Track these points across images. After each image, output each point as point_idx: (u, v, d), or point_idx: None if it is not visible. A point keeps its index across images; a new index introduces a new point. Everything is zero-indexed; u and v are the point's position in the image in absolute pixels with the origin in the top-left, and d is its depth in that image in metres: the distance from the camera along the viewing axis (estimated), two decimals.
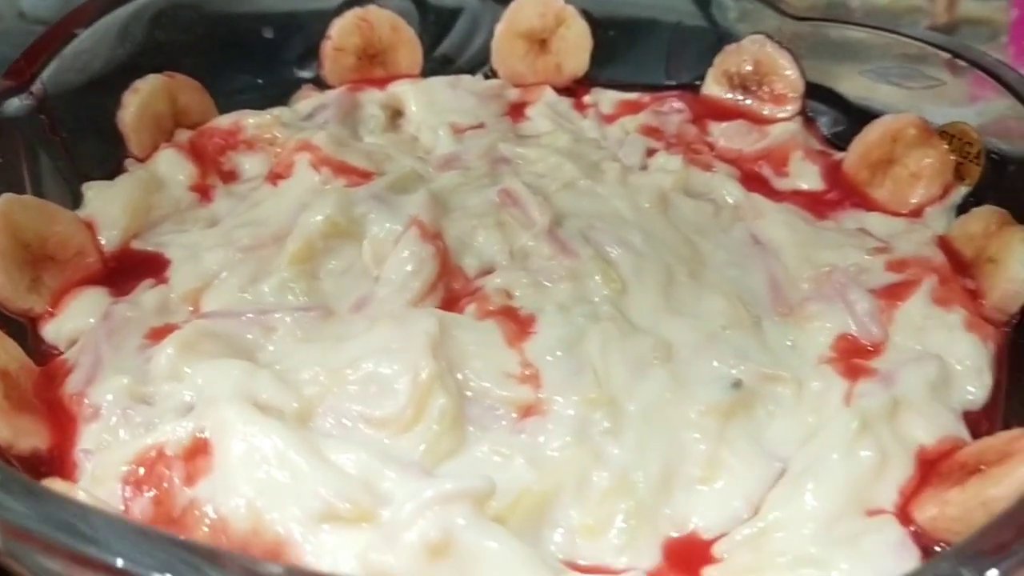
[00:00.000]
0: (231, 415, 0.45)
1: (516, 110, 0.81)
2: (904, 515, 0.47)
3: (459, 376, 0.51)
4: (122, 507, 0.43)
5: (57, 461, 0.48)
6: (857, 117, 0.76)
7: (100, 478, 0.45)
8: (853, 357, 0.56)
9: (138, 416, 0.49)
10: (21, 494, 0.35)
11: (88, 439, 0.48)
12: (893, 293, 0.59)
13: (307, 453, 0.44)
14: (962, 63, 0.68)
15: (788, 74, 0.78)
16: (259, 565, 0.33)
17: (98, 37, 0.69)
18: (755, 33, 0.80)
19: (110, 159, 0.68)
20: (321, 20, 0.80)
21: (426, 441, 0.48)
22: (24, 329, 0.56)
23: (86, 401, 0.50)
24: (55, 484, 0.43)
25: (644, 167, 0.73)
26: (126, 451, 0.45)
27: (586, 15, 0.82)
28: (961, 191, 0.68)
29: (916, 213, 0.68)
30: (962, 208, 0.68)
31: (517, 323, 0.55)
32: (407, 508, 0.40)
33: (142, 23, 0.72)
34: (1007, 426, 0.54)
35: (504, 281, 0.58)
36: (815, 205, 0.70)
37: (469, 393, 0.51)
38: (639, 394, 0.51)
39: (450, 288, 0.59)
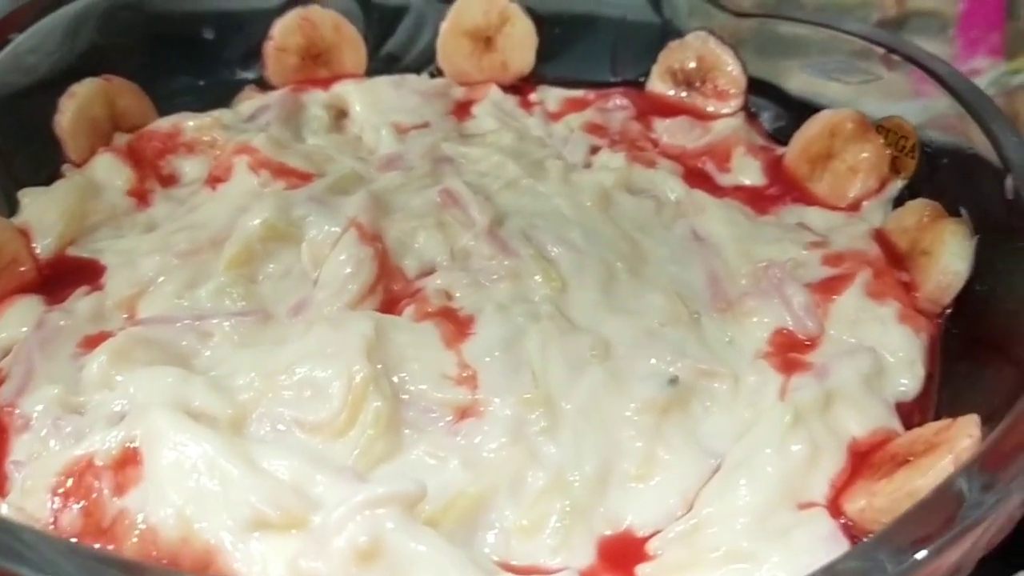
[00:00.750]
0: (162, 423, 0.45)
1: (462, 109, 0.81)
2: (835, 507, 0.48)
3: (395, 379, 0.51)
4: (51, 519, 0.43)
5: None
6: (799, 112, 0.77)
7: (30, 490, 0.44)
8: (789, 351, 0.57)
9: (68, 426, 0.48)
10: None
11: (19, 450, 0.48)
12: (828, 287, 0.60)
13: (238, 460, 0.43)
14: (897, 58, 0.69)
15: (730, 70, 0.79)
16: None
17: (34, 41, 0.68)
18: (699, 29, 0.81)
19: (47, 165, 0.68)
20: (263, 20, 0.79)
21: (360, 445, 0.48)
22: None
23: (17, 412, 0.49)
24: None
25: (588, 165, 0.73)
26: (55, 462, 0.45)
27: (531, 12, 0.82)
28: (897, 184, 0.69)
29: (854, 207, 0.69)
30: (899, 201, 0.69)
31: (456, 324, 0.55)
32: (337, 513, 0.40)
33: (80, 26, 0.71)
34: (938, 416, 0.55)
35: (444, 282, 0.58)
36: (756, 200, 0.71)
37: (405, 396, 0.51)
38: (576, 393, 0.52)
39: (390, 290, 0.59)
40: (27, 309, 0.56)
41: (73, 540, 0.42)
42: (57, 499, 0.43)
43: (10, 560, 0.34)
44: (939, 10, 1.10)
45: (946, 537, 0.38)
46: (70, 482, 0.44)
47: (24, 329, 0.55)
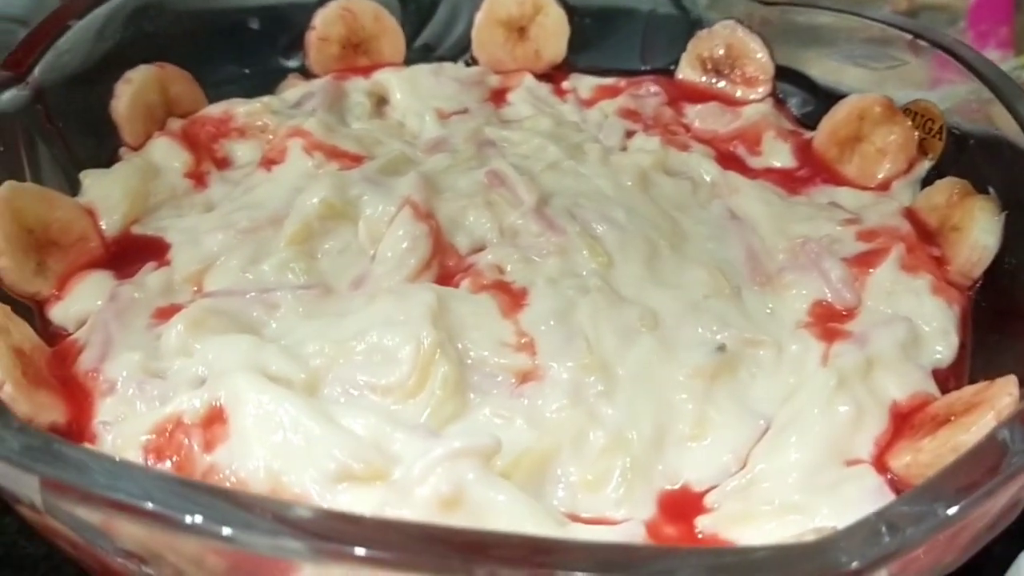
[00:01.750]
0: (243, 384, 0.47)
1: (498, 96, 0.84)
2: (880, 464, 0.50)
3: (459, 346, 0.53)
4: None
5: (76, 434, 0.49)
6: (825, 98, 0.79)
7: (121, 447, 0.47)
8: (828, 321, 0.59)
9: (154, 389, 0.51)
10: (55, 451, 0.37)
11: (106, 412, 0.50)
12: (864, 261, 0.62)
13: (319, 417, 0.46)
14: (923, 43, 0.72)
15: (759, 57, 0.82)
16: (289, 508, 0.35)
17: (90, 28, 0.70)
18: (727, 19, 0.83)
19: (104, 148, 0.70)
20: (305, 11, 0.81)
21: (430, 406, 0.50)
22: (31, 312, 0.58)
23: (101, 376, 0.52)
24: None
25: (624, 148, 0.76)
26: (145, 421, 0.47)
27: (562, 3, 0.85)
28: (925, 165, 0.72)
29: (883, 187, 0.72)
30: (926, 181, 0.71)
31: (510, 296, 0.58)
32: (418, 466, 0.43)
33: (132, 15, 0.73)
34: (972, 382, 0.57)
35: (496, 257, 0.61)
36: (788, 181, 0.73)
37: (469, 361, 0.53)
38: (629, 359, 0.54)
39: (444, 265, 0.61)
40: (99, 283, 0.59)
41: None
42: (151, 456, 0.46)
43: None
44: (949, 4, 1.12)
45: (993, 483, 0.41)
46: (162, 440, 0.46)
47: (98, 302, 0.57)
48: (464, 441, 0.43)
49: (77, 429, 0.50)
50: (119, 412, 0.50)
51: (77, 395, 0.51)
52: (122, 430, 0.48)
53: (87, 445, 0.47)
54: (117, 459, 0.36)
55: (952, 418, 0.50)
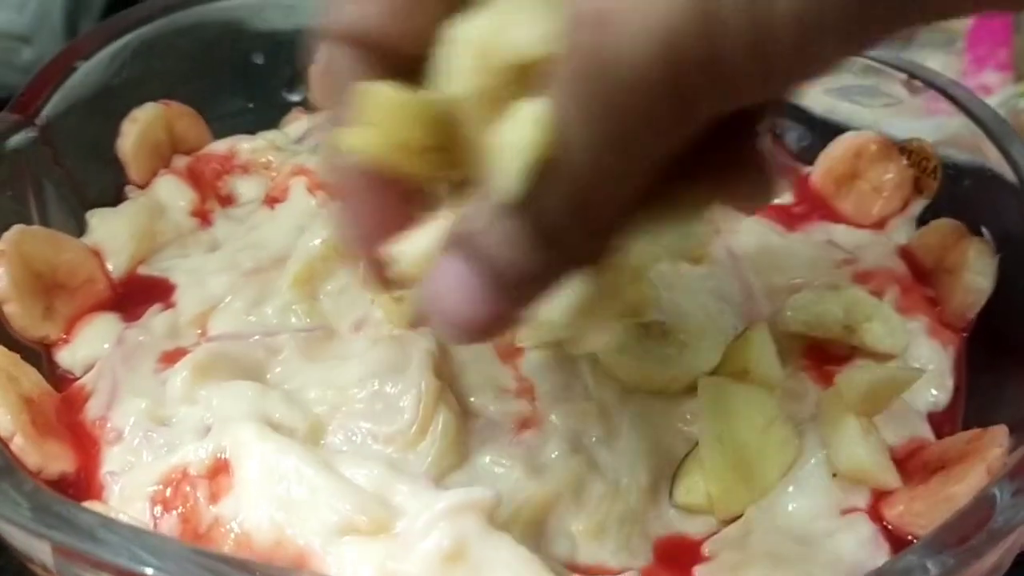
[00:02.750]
0: (247, 435, 0.48)
1: None
2: (875, 512, 0.51)
3: (459, 392, 0.54)
4: (152, 525, 0.46)
5: (84, 484, 0.50)
6: (822, 133, 0.80)
7: (129, 498, 0.48)
8: (825, 364, 0.60)
9: (160, 438, 0.51)
10: (67, 516, 0.38)
11: (112, 461, 0.51)
12: None
13: (321, 468, 0.47)
14: (918, 83, 0.73)
15: None
16: (287, 574, 0.36)
17: (96, 67, 0.71)
18: None
19: (110, 186, 0.71)
20: (309, 45, 0.82)
21: (432, 455, 0.51)
22: (39, 356, 0.59)
23: (108, 424, 0.53)
24: (95, 507, 0.46)
25: None
26: (152, 472, 0.48)
27: None
28: (920, 204, 0.72)
29: (879, 224, 0.72)
30: (922, 219, 0.72)
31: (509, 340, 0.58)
32: (421, 519, 0.44)
33: (139, 53, 0.74)
34: (966, 426, 0.58)
35: None
36: (785, 218, 0.74)
37: (469, 408, 0.54)
38: (628, 405, 0.55)
39: None
40: (106, 326, 0.60)
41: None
42: (158, 507, 0.47)
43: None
44: (946, 25, 1.13)
45: (982, 539, 0.42)
46: (168, 491, 0.47)
47: (105, 345, 0.58)
48: (466, 496, 0.44)
49: (86, 478, 0.51)
50: (126, 461, 0.51)
51: (85, 443, 0.52)
52: (129, 480, 0.49)
53: (95, 503, 0.48)
54: (129, 523, 0.37)
55: (945, 466, 0.50)
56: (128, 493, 0.48)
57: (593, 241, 0.32)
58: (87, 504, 0.46)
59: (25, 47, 1.05)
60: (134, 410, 0.52)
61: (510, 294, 0.32)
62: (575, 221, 0.31)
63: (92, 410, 0.54)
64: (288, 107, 0.83)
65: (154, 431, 0.52)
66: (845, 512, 0.51)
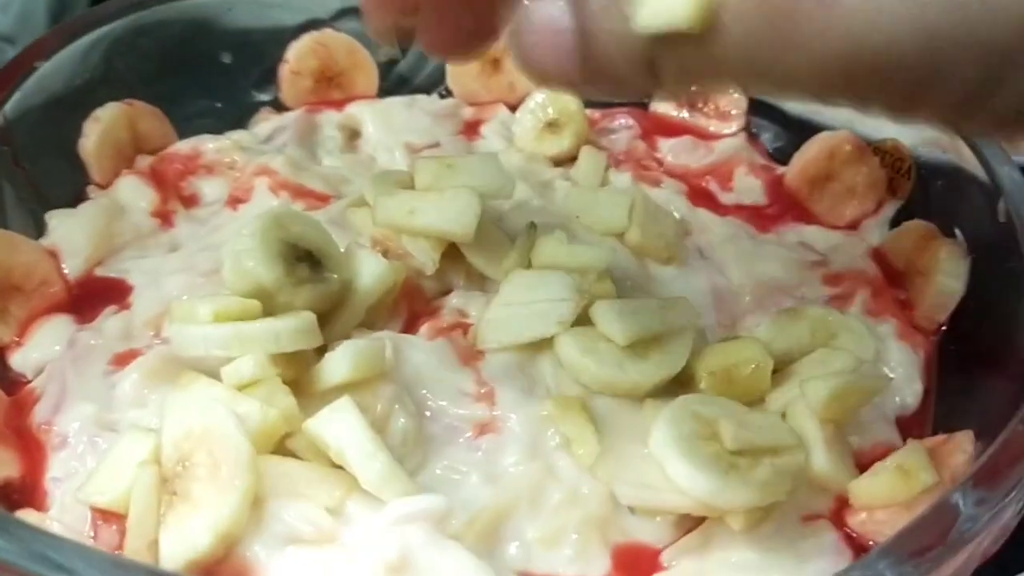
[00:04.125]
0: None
1: (471, 128, 0.83)
2: (838, 519, 0.50)
3: (417, 396, 0.53)
4: (91, 534, 0.45)
5: (28, 490, 0.49)
6: (798, 132, 0.79)
7: (69, 506, 0.46)
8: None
9: (104, 443, 0.50)
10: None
11: (57, 467, 0.50)
12: (830, 306, 0.62)
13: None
14: None
15: (732, 92, 0.81)
16: None
17: (59, 67, 0.70)
18: None
19: (72, 186, 0.70)
20: (278, 44, 0.81)
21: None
22: None
23: (54, 429, 0.51)
24: (29, 516, 0.45)
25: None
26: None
27: None
28: (894, 205, 0.71)
29: (852, 226, 0.72)
30: (895, 220, 0.71)
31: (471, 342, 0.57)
32: (367, 529, 0.43)
33: (101, 51, 0.73)
34: (935, 430, 0.57)
35: (460, 302, 0.61)
36: (758, 219, 0.73)
37: (428, 413, 0.53)
38: (590, 410, 0.54)
39: (411, 308, 0.61)
40: (59, 328, 0.59)
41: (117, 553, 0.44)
42: (98, 517, 0.46)
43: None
44: None
45: (942, 549, 0.41)
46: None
47: (57, 348, 0.57)
48: (414, 505, 0.43)
49: (30, 484, 0.50)
50: (70, 467, 0.50)
51: (31, 448, 0.51)
52: (71, 487, 0.48)
53: (28, 511, 0.46)
54: (62, 537, 0.36)
55: (909, 473, 0.49)
56: (69, 501, 0.47)
57: None
58: (21, 513, 0.45)
59: (9, 47, 1.03)
60: (80, 415, 0.51)
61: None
62: None
63: (39, 414, 0.52)
64: (257, 106, 0.82)
65: (100, 436, 0.50)
66: (807, 519, 0.50)
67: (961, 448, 0.48)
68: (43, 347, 0.58)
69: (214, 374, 0.54)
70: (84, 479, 0.47)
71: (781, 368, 0.56)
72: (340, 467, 0.47)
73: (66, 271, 0.62)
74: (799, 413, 0.51)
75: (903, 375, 0.59)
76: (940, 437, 0.52)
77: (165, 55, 0.78)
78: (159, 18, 0.77)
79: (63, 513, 0.46)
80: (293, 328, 0.49)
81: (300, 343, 0.50)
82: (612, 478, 0.48)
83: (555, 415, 0.52)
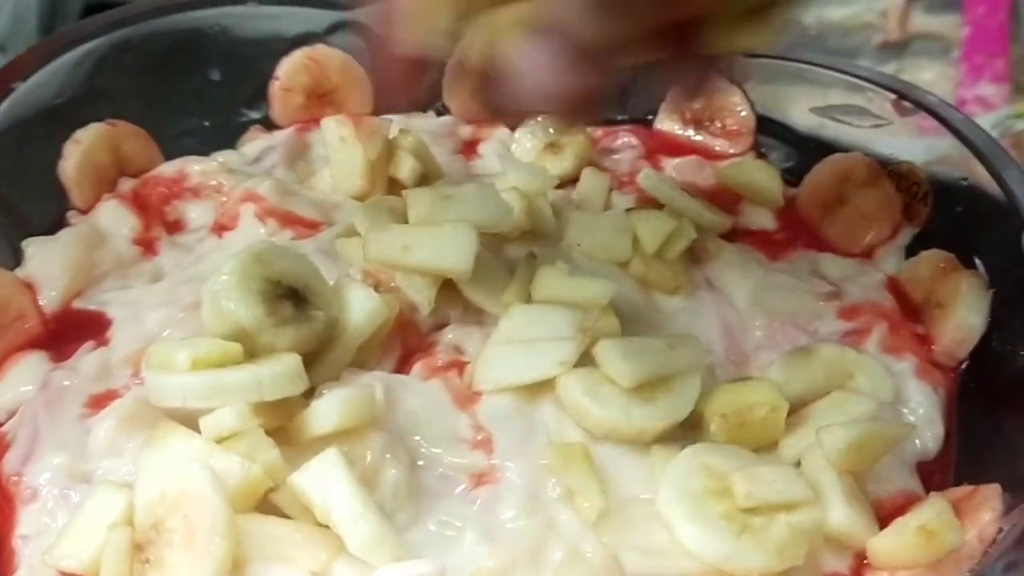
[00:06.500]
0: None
1: (469, 148, 0.80)
2: None
3: (409, 444, 0.50)
4: None
5: None
6: (808, 152, 0.76)
7: (38, 568, 0.43)
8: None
9: (77, 496, 0.47)
10: None
11: (26, 524, 0.47)
12: (845, 342, 0.59)
13: None
14: (908, 104, 0.69)
15: (739, 110, 0.78)
16: None
17: (38, 87, 0.67)
18: None
19: (51, 213, 0.67)
20: (269, 60, 0.78)
21: None
22: None
23: (24, 480, 0.48)
24: None
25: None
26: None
27: None
28: (910, 232, 0.68)
29: (867, 253, 0.68)
30: (911, 247, 0.68)
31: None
32: None
33: (84, 69, 0.70)
34: (958, 476, 0.54)
35: (456, 336, 0.58)
36: (767, 245, 0.70)
37: (421, 462, 0.50)
38: (593, 456, 0.51)
39: (405, 344, 0.58)
40: (33, 367, 0.56)
41: None
42: None
43: None
44: (942, 33, 1.09)
45: None
46: None
47: (30, 388, 0.54)
48: (404, 572, 0.40)
49: None
50: (40, 524, 0.47)
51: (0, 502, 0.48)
52: (40, 547, 0.45)
53: None
54: None
55: (934, 531, 0.46)
56: (36, 562, 0.44)
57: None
58: None
59: (0, 55, 1.01)
60: (51, 465, 0.48)
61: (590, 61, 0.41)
62: None
63: (9, 464, 0.49)
64: (246, 125, 0.79)
65: (72, 488, 0.47)
66: None
67: (989, 504, 0.45)
68: (15, 387, 0.55)
69: (193, 421, 0.51)
70: (54, 538, 0.44)
71: (794, 410, 0.53)
72: (327, 526, 0.44)
73: (42, 304, 0.59)
74: (815, 463, 0.48)
75: (923, 417, 0.56)
76: (965, 489, 0.49)
77: (151, 72, 0.74)
78: (145, 33, 0.74)
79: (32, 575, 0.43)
80: (276, 375, 0.46)
81: (284, 390, 0.47)
82: (617, 543, 0.45)
83: (556, 464, 0.49)
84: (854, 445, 0.47)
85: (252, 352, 0.48)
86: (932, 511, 0.46)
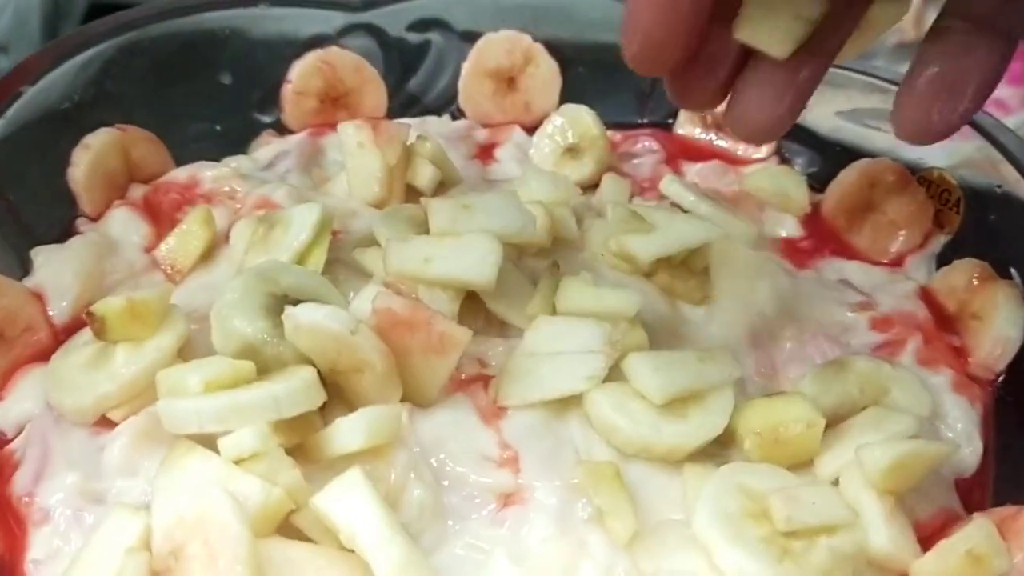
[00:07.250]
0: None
1: (485, 152, 0.79)
2: None
3: (434, 461, 0.48)
4: None
5: (7, 573, 0.44)
6: (833, 158, 0.75)
7: None
8: (839, 424, 0.54)
9: (91, 517, 0.45)
10: None
11: (38, 547, 0.45)
12: (878, 354, 0.57)
13: None
14: None
15: None
16: None
17: (45, 89, 0.65)
18: None
19: (60, 221, 0.65)
20: (281, 64, 0.76)
21: None
22: None
23: (36, 501, 0.47)
24: None
25: None
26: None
27: (555, 53, 0.80)
28: (941, 240, 0.67)
29: (897, 262, 0.67)
30: (942, 256, 0.67)
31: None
32: None
33: (92, 72, 0.69)
34: (997, 493, 0.53)
35: (478, 348, 0.56)
36: (794, 253, 0.68)
37: (446, 482, 0.48)
38: (623, 475, 0.49)
39: None
40: (42, 380, 0.54)
41: None
42: None
43: None
44: None
45: None
46: None
47: (39, 403, 0.52)
48: None
49: (9, 566, 0.45)
50: (52, 547, 0.45)
51: (11, 523, 0.46)
52: (53, 571, 0.43)
53: None
54: None
55: (979, 554, 0.45)
56: None
57: None
58: None
59: (2, 56, 0.99)
60: (63, 485, 0.46)
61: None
62: None
63: (19, 484, 0.48)
64: (258, 129, 0.77)
65: (85, 509, 0.46)
66: None
67: None
68: (24, 402, 0.53)
69: (210, 438, 0.50)
70: (67, 563, 0.43)
71: (828, 426, 0.51)
72: (351, 550, 0.42)
73: (52, 315, 0.58)
74: (854, 483, 0.47)
75: (961, 432, 0.54)
76: (1009, 510, 0.47)
77: (161, 75, 0.73)
78: (154, 36, 0.72)
79: None
80: (293, 390, 0.45)
81: (302, 405, 0.45)
82: (651, 567, 0.44)
83: (586, 484, 0.47)
84: (895, 465, 0.45)
85: (265, 369, 0.47)
86: (980, 534, 0.45)
